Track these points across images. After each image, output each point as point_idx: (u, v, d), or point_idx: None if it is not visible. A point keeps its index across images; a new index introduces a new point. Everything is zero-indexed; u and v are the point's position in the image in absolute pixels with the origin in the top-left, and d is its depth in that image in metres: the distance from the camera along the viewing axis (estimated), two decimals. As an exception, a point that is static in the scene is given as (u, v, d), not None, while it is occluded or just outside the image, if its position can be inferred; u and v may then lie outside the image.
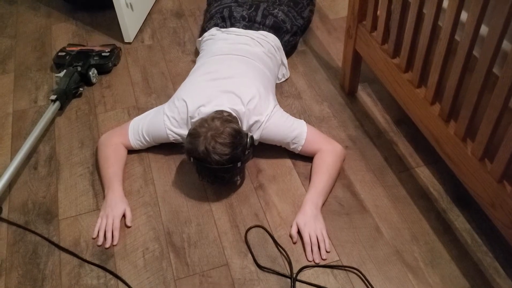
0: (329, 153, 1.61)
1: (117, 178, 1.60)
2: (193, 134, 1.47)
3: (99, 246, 1.48)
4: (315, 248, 1.43)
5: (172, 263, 1.43)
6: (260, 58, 1.79)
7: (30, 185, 1.66)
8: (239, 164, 1.48)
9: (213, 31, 1.95)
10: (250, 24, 1.95)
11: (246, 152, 1.50)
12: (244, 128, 1.60)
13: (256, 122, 1.59)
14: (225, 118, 1.49)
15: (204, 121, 1.49)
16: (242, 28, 1.93)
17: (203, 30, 2.07)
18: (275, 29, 1.97)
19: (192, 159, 1.48)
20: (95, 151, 1.75)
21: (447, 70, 1.33)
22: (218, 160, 1.43)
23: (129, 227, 1.52)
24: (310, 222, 1.47)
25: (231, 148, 1.45)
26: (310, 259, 1.42)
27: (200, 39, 2.01)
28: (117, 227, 1.49)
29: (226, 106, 1.56)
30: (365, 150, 1.72)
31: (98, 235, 1.49)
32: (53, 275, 1.41)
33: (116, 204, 1.53)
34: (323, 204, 1.54)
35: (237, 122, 1.53)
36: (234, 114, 1.56)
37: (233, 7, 2.01)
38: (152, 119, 1.65)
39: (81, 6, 2.51)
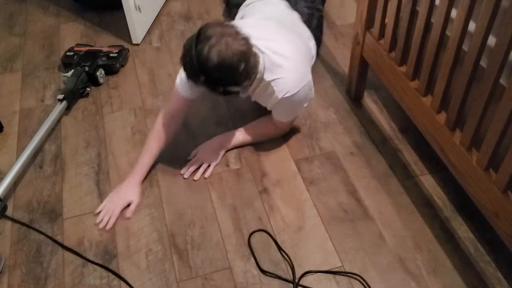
0: (276, 128, 1.73)
1: (141, 170, 1.63)
2: (205, 35, 1.39)
3: (96, 224, 1.54)
4: (192, 168, 1.65)
5: (175, 265, 1.43)
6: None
7: (35, 183, 1.67)
8: (212, 86, 1.44)
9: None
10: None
11: (223, 89, 1.45)
12: (248, 88, 1.57)
13: (270, 89, 1.56)
14: (243, 46, 1.41)
15: (222, 29, 1.40)
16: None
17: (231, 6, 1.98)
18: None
19: (187, 48, 1.41)
20: (100, 151, 1.76)
21: (454, 80, 1.33)
22: (204, 62, 1.37)
23: (127, 218, 1.55)
24: (206, 151, 1.68)
25: (222, 66, 1.37)
26: (182, 172, 1.65)
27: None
28: (115, 215, 1.54)
29: (270, 47, 1.53)
30: (370, 157, 1.72)
31: (99, 214, 1.56)
32: (56, 274, 1.42)
33: (124, 194, 1.58)
34: (230, 150, 1.74)
35: (248, 61, 1.43)
36: (260, 56, 1.51)
37: None
38: None
39: (90, 6, 2.52)
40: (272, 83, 1.55)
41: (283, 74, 1.54)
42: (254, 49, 1.47)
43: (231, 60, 1.37)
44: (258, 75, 1.54)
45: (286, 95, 1.56)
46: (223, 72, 1.39)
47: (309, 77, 1.61)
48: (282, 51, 1.55)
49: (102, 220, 1.54)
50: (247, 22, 1.69)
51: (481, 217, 1.51)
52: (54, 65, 2.19)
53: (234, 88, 1.48)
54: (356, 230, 1.50)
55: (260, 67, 1.52)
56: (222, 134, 1.75)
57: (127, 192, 1.58)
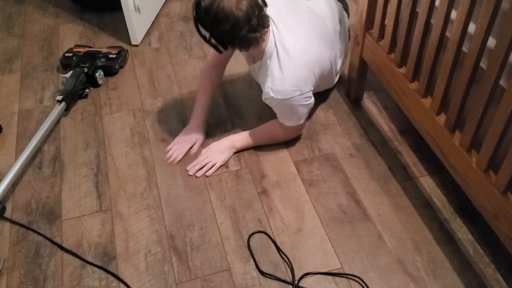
0: (284, 132, 1.73)
1: (200, 113, 1.79)
2: None
3: (166, 159, 1.73)
4: (198, 166, 1.69)
5: (174, 267, 1.43)
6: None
7: (34, 185, 1.67)
8: (202, 32, 1.48)
9: None
10: None
11: (211, 40, 1.48)
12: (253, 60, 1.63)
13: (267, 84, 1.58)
14: (239, 12, 1.39)
15: None
16: None
17: None
18: None
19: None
20: (99, 152, 1.76)
21: (453, 81, 1.33)
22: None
23: (192, 153, 1.75)
24: (215, 151, 1.71)
25: (208, 12, 1.41)
26: (188, 168, 1.69)
27: None
28: (183, 152, 1.74)
29: (284, 41, 1.55)
30: (370, 158, 1.72)
31: (168, 152, 1.75)
32: (55, 275, 1.42)
33: (189, 134, 1.77)
34: (239, 152, 1.75)
35: (237, 28, 1.42)
36: (269, 44, 1.54)
37: None
38: None
39: (89, 7, 2.52)
40: (269, 77, 1.56)
41: (280, 76, 1.55)
42: (263, 31, 1.48)
43: (217, 15, 1.39)
44: (263, 58, 1.57)
45: (277, 97, 1.57)
46: (207, 18, 1.42)
47: (307, 89, 1.60)
48: (292, 52, 1.55)
49: (171, 156, 1.73)
50: (288, 7, 1.67)
51: (481, 219, 1.51)
52: (53, 66, 2.18)
53: (216, 43, 1.49)
54: (355, 231, 1.50)
55: (266, 53, 1.55)
56: (233, 135, 1.76)
57: (193, 133, 1.77)
